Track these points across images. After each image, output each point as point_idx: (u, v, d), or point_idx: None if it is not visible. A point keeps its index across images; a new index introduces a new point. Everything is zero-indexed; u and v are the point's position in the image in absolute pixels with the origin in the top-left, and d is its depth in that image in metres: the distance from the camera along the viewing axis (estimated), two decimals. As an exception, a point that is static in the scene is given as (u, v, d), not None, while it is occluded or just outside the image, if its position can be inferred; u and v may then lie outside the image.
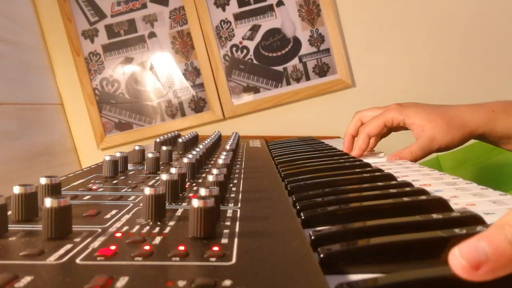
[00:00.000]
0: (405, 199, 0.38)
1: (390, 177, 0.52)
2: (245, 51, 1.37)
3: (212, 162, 0.68)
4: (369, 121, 0.78)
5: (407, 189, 0.44)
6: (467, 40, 1.37)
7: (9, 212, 0.32)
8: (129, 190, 0.46)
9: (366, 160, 0.68)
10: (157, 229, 0.31)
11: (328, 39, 1.36)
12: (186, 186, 0.48)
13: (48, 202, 0.28)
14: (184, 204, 0.39)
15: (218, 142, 0.93)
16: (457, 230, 0.28)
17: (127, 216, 0.35)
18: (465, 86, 1.36)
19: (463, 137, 0.73)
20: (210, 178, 0.40)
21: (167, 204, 0.37)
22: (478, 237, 0.22)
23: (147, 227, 0.32)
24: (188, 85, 1.38)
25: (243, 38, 1.37)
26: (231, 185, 0.48)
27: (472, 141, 0.78)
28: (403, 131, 0.81)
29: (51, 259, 0.25)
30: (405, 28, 1.37)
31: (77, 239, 0.29)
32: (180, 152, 0.79)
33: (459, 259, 0.21)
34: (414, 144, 0.73)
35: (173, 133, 0.96)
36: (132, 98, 1.38)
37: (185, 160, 0.52)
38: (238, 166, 0.63)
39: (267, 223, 0.33)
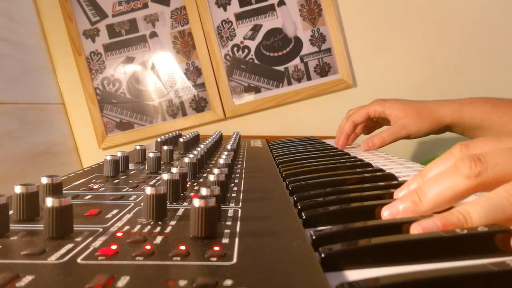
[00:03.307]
0: (406, 199, 0.38)
1: (391, 177, 0.52)
2: (246, 51, 1.37)
3: (213, 162, 0.68)
4: (354, 111, 0.92)
5: (408, 189, 0.43)
6: (469, 39, 1.36)
7: (11, 212, 0.32)
8: (130, 189, 0.46)
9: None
10: (158, 229, 0.31)
11: (329, 39, 1.35)
12: (187, 185, 0.48)
13: (49, 202, 0.28)
14: (185, 203, 0.39)
15: (219, 142, 0.93)
16: (458, 230, 0.28)
17: (128, 216, 0.35)
18: (467, 85, 1.35)
19: (431, 125, 0.83)
20: (211, 177, 0.40)
21: (168, 203, 0.37)
22: (436, 217, 0.30)
23: (148, 227, 0.32)
24: (189, 84, 1.38)
25: (244, 38, 1.37)
26: (232, 184, 0.48)
27: None
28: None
29: (52, 259, 0.25)
30: (406, 27, 1.37)
31: (78, 239, 0.29)
32: (181, 152, 0.79)
33: (420, 229, 0.30)
34: (385, 130, 0.87)
35: (174, 133, 0.96)
36: (133, 97, 1.38)
37: (186, 159, 0.52)
38: (239, 166, 0.63)
39: (268, 223, 0.33)
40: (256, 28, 1.36)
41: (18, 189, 0.33)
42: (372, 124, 0.96)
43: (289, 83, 1.36)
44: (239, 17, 1.36)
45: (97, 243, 0.28)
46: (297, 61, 1.36)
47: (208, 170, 0.59)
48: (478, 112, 0.81)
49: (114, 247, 0.27)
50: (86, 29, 1.36)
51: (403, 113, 0.85)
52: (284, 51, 1.36)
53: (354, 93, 1.37)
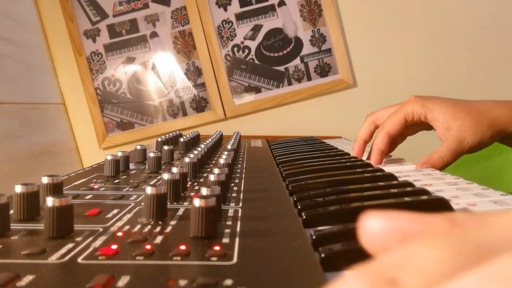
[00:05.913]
0: (406, 199, 0.38)
1: (391, 177, 0.52)
2: (246, 51, 1.37)
3: (213, 161, 0.68)
4: (387, 118, 0.68)
5: (408, 189, 0.44)
6: (470, 39, 1.36)
7: (11, 211, 0.32)
8: (131, 189, 0.46)
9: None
10: (158, 229, 0.31)
11: (329, 39, 1.35)
12: (188, 185, 0.48)
13: (50, 201, 0.28)
14: (186, 203, 0.39)
15: (219, 142, 0.93)
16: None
17: (128, 216, 0.35)
18: (470, 85, 1.35)
19: (493, 136, 0.62)
20: (212, 177, 0.40)
21: (168, 203, 0.37)
22: None
23: (149, 227, 0.32)
24: (189, 84, 1.38)
25: (244, 38, 1.37)
26: (232, 184, 0.48)
27: None
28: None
29: (53, 258, 0.25)
30: (407, 27, 1.37)
31: (79, 238, 0.29)
32: (182, 152, 0.79)
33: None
34: (443, 147, 0.62)
35: (174, 133, 0.96)
36: (133, 97, 1.38)
37: (187, 159, 0.52)
38: (239, 165, 0.63)
39: (268, 222, 0.33)
40: (256, 28, 1.36)
41: (18, 189, 0.33)
42: (404, 130, 0.70)
43: (289, 83, 1.36)
44: (240, 17, 1.36)
45: (98, 242, 0.28)
46: (297, 61, 1.36)
47: (208, 170, 0.59)
48: None
49: (114, 247, 0.27)
50: (87, 29, 1.36)
51: (455, 120, 0.62)
52: (285, 51, 1.36)
53: (354, 93, 1.37)
